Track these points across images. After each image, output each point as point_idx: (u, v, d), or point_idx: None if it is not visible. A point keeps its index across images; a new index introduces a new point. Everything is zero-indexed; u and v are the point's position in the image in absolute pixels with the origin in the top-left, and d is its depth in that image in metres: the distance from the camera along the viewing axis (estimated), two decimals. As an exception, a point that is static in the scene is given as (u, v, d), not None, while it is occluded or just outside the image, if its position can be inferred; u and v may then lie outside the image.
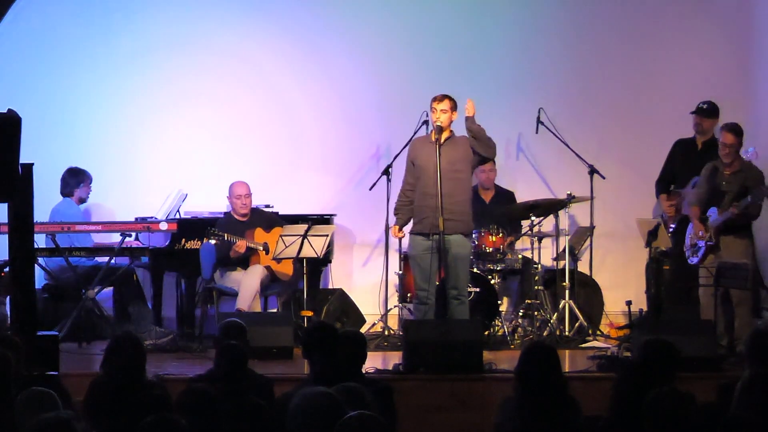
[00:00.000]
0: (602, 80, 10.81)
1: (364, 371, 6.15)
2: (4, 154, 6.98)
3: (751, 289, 8.74)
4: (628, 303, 9.41)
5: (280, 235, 9.32)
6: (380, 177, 9.89)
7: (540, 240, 9.90)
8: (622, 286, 10.09)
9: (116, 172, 10.50)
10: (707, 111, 9.71)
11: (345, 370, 5.73)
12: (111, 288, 9.75)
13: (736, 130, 8.88)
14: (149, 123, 10.62)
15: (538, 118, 10.18)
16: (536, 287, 9.74)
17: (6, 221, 7.39)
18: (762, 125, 10.37)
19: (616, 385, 5.24)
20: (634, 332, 8.28)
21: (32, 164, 7.23)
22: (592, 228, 10.05)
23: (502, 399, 5.42)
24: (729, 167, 8.86)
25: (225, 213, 9.80)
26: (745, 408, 4.87)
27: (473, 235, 9.22)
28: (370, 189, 9.97)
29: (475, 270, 9.43)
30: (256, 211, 9.81)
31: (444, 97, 8.50)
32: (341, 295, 10.06)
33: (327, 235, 9.41)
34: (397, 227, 8.82)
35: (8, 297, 7.93)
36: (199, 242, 9.56)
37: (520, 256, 9.83)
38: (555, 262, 9.92)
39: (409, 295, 9.38)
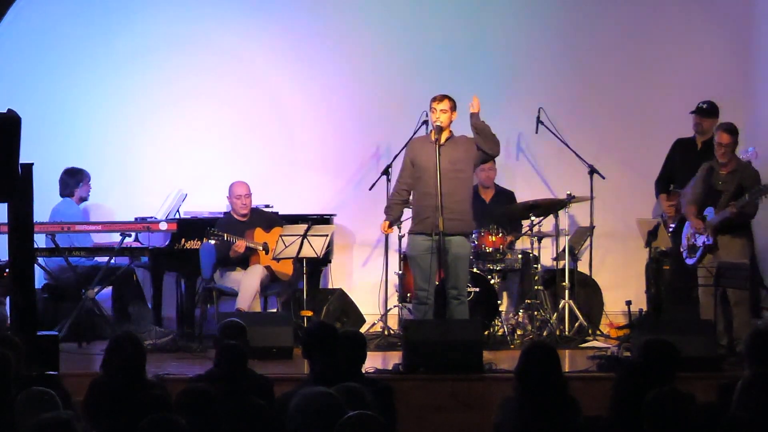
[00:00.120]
0: (602, 80, 10.81)
1: (364, 371, 6.15)
2: (4, 154, 6.98)
3: (749, 289, 8.73)
4: (628, 303, 9.41)
5: (280, 235, 9.32)
6: (380, 177, 9.90)
7: (540, 240, 9.90)
8: (622, 286, 10.09)
9: (116, 172, 10.51)
10: (707, 111, 9.71)
11: (345, 370, 5.73)
12: (111, 288, 9.76)
13: (731, 129, 8.89)
14: (149, 123, 10.63)
15: (538, 117, 10.18)
16: (536, 287, 9.74)
17: (6, 221, 7.39)
18: (762, 125, 10.37)
19: (616, 385, 5.24)
20: (634, 332, 8.28)
21: (32, 164, 7.23)
22: (592, 228, 10.05)
23: (502, 399, 5.42)
24: (725, 167, 8.87)
25: (225, 213, 9.80)
26: (745, 408, 4.87)
27: (473, 235, 9.23)
28: (370, 189, 9.97)
29: (475, 270, 9.43)
30: (256, 211, 9.81)
31: (444, 97, 8.50)
32: (341, 295, 10.06)
33: (327, 235, 9.41)
34: (387, 223, 8.80)
35: (8, 297, 7.92)
36: (199, 242, 9.56)
37: (520, 256, 9.83)
38: (555, 262, 9.92)
39: (408, 295, 9.38)
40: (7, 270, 7.61)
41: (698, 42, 10.74)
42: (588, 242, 10.10)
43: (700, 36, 10.74)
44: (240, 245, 9.35)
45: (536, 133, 10.27)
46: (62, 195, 9.91)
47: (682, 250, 9.06)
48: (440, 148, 8.38)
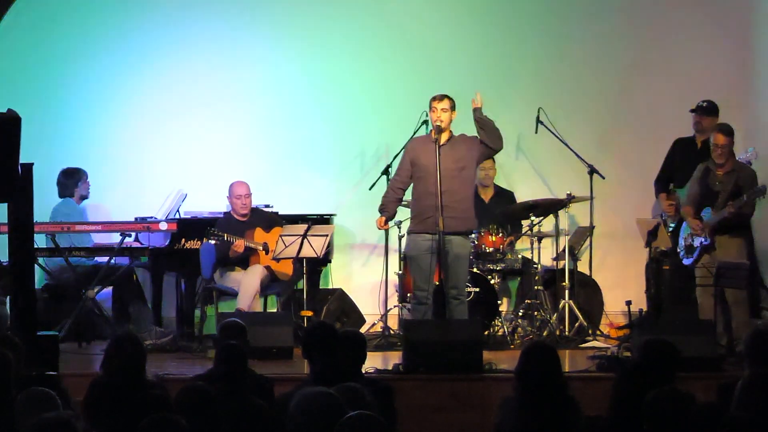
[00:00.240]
0: (602, 80, 10.81)
1: (364, 371, 6.15)
2: (4, 154, 6.99)
3: (747, 289, 8.73)
4: (628, 303, 9.40)
5: (280, 235, 9.31)
6: (380, 177, 9.89)
7: (540, 240, 9.90)
8: (622, 286, 10.09)
9: (116, 172, 10.51)
10: (706, 109, 9.71)
11: (345, 370, 5.73)
12: (111, 288, 9.75)
13: (727, 130, 8.91)
14: (149, 123, 10.63)
15: (538, 118, 10.17)
16: (536, 287, 9.74)
17: (6, 221, 7.39)
18: (762, 125, 10.37)
19: (616, 385, 5.24)
20: (634, 332, 8.28)
21: (32, 164, 7.24)
22: (592, 228, 10.05)
23: (502, 399, 5.42)
24: (722, 167, 8.89)
25: (225, 213, 9.80)
26: (745, 408, 4.86)
27: (473, 235, 9.23)
28: (370, 189, 9.96)
29: (475, 270, 9.44)
30: (256, 211, 9.81)
31: (444, 96, 8.50)
32: (341, 295, 10.06)
33: (327, 235, 9.40)
34: (384, 219, 8.79)
35: (8, 297, 7.92)
36: (199, 242, 9.56)
37: (520, 256, 9.83)
38: (555, 262, 9.92)
39: (409, 295, 9.38)
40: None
41: (698, 42, 10.73)
42: (588, 242, 10.10)
43: (700, 36, 10.74)
44: (239, 245, 9.35)
45: (536, 133, 10.25)
46: (62, 196, 9.91)
47: (679, 250, 9.08)
48: (442, 148, 8.39)
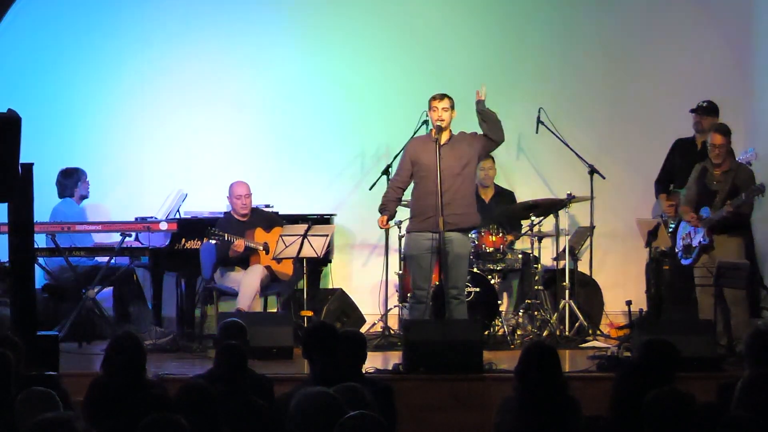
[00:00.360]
0: (602, 80, 10.81)
1: (364, 371, 6.15)
2: (4, 154, 6.98)
3: (746, 288, 8.74)
4: (628, 303, 9.41)
5: (280, 235, 9.31)
6: (380, 177, 9.89)
7: (540, 240, 9.90)
8: (622, 286, 10.09)
9: (116, 172, 10.52)
10: (706, 109, 9.72)
11: (345, 370, 5.73)
12: (111, 288, 9.75)
13: (723, 130, 8.92)
14: (149, 123, 10.64)
15: (538, 118, 10.17)
16: (536, 287, 9.74)
17: (6, 221, 7.39)
18: (762, 125, 10.37)
19: (616, 385, 5.23)
20: (634, 332, 8.28)
21: (32, 164, 7.24)
22: (592, 228, 10.05)
23: (502, 399, 5.42)
24: (719, 167, 8.90)
25: (225, 213, 9.79)
26: (745, 408, 4.87)
27: (473, 235, 9.22)
28: (370, 189, 9.96)
29: (475, 270, 9.44)
30: (256, 211, 9.81)
31: (443, 95, 8.51)
32: (341, 295, 10.06)
33: (327, 235, 9.40)
34: (386, 217, 8.78)
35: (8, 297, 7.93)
36: (199, 242, 9.56)
37: (519, 256, 9.83)
38: (555, 262, 9.92)
39: (408, 294, 9.38)
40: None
41: (698, 42, 10.73)
42: (588, 242, 10.09)
43: (700, 36, 10.74)
44: (239, 244, 9.35)
45: (536, 133, 10.25)
46: (61, 197, 9.91)
47: (677, 251, 9.08)
48: (443, 147, 8.39)
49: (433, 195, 8.37)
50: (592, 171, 10.05)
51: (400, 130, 9.85)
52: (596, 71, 10.80)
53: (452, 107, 8.50)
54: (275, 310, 9.88)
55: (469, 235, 8.82)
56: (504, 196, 10.29)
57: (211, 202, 10.15)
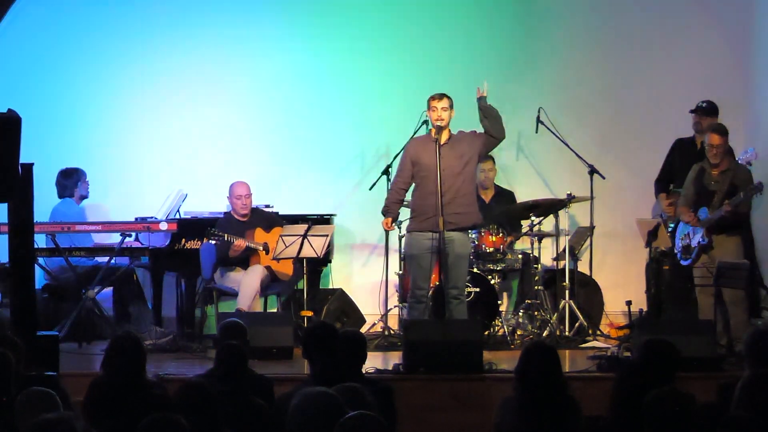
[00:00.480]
0: (602, 80, 10.81)
1: (364, 371, 6.15)
2: (4, 154, 6.98)
3: (745, 288, 8.74)
4: (628, 303, 9.41)
5: (280, 235, 9.32)
6: (380, 177, 9.89)
7: (540, 240, 9.91)
8: (622, 286, 10.09)
9: (116, 172, 10.52)
10: (706, 110, 9.72)
11: (345, 370, 5.73)
12: (111, 288, 9.75)
13: (721, 130, 8.93)
14: (149, 123, 10.64)
15: (538, 117, 10.17)
16: (536, 287, 9.74)
17: (6, 221, 7.39)
18: (762, 125, 10.37)
19: (616, 385, 5.24)
20: (634, 332, 8.29)
21: (32, 164, 7.24)
22: (592, 228, 10.05)
23: (502, 399, 5.42)
24: (717, 167, 8.90)
25: (225, 213, 9.79)
26: (745, 408, 4.87)
27: (473, 235, 9.22)
28: (370, 189, 9.97)
29: (475, 270, 9.43)
30: (256, 211, 9.80)
31: (443, 95, 8.51)
32: (341, 295, 10.06)
33: (327, 235, 9.40)
34: (389, 220, 8.79)
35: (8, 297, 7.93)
36: (199, 242, 9.56)
37: (519, 256, 9.83)
38: (555, 262, 9.92)
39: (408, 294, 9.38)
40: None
41: (698, 42, 10.73)
42: (588, 242, 10.10)
43: (700, 36, 10.74)
44: (239, 244, 9.35)
45: (536, 133, 10.25)
46: (61, 197, 9.91)
47: (676, 251, 9.08)
48: (443, 147, 8.39)
49: (433, 195, 8.37)
50: (592, 171, 10.05)
51: (400, 130, 9.86)
52: (596, 71, 10.80)
53: (451, 107, 8.50)
54: (275, 310, 9.88)
55: (470, 235, 8.82)
56: (504, 196, 10.29)
57: (211, 202, 10.15)
